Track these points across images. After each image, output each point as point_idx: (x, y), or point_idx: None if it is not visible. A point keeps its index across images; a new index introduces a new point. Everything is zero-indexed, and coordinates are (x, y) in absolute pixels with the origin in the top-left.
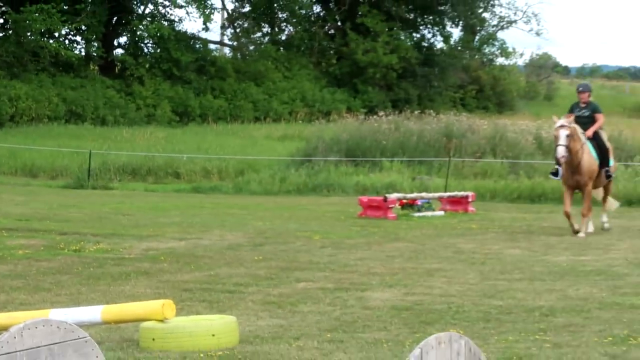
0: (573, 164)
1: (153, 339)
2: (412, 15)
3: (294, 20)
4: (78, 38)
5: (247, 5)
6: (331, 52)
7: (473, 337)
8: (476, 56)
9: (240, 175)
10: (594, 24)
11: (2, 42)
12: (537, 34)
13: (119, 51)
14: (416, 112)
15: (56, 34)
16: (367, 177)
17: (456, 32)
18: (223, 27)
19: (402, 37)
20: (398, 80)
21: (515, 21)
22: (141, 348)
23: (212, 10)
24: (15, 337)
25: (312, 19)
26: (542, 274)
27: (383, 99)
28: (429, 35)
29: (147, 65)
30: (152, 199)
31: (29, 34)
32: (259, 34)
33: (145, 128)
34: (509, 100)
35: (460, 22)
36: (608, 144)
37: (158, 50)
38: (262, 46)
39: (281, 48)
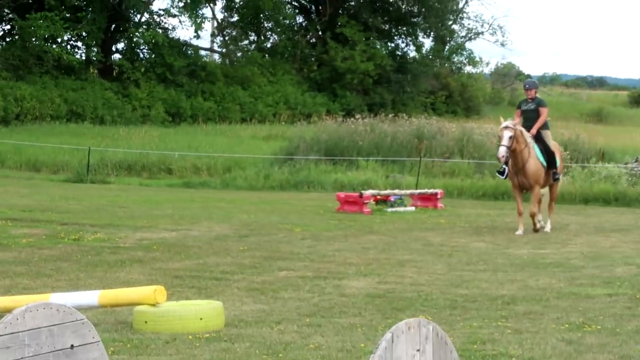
0: (518, 164)
1: (145, 322)
2: (387, 26)
3: (279, 29)
4: (79, 43)
5: (235, 15)
6: (312, 59)
7: (440, 323)
8: (446, 64)
9: (228, 172)
10: (554, 37)
11: (9, 46)
12: (502, 44)
13: (116, 56)
14: (390, 116)
15: (59, 40)
16: (344, 174)
17: (428, 42)
18: (213, 35)
19: (378, 46)
20: (374, 85)
21: (482, 33)
22: (134, 330)
23: (203, 20)
24: (17, 319)
25: (295, 28)
26: (504, 266)
27: (360, 103)
28: (403, 45)
29: (142, 70)
30: (146, 192)
31: (33, 39)
32: (246, 42)
33: (141, 127)
34: (476, 105)
35: (432, 33)
36: (553, 144)
37: (153, 56)
38: (249, 53)
39: (266, 55)
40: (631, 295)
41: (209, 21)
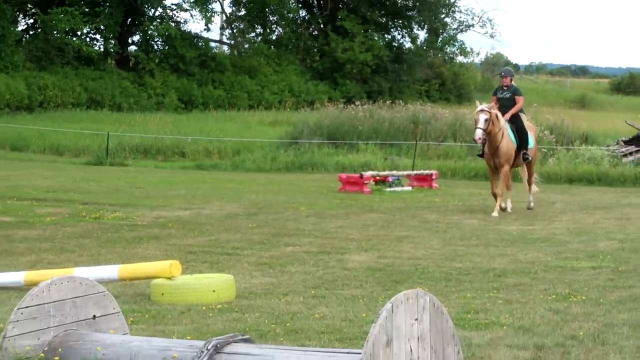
0: (492, 146)
1: (162, 294)
2: (384, 20)
3: (283, 22)
4: (97, 36)
5: (242, 9)
6: (315, 50)
7: (436, 294)
8: (439, 55)
9: (237, 155)
10: (541, 28)
11: (32, 39)
12: (492, 36)
13: (132, 48)
14: (387, 102)
15: (78, 33)
16: (345, 157)
17: (422, 34)
18: (222, 28)
19: (376, 38)
20: (372, 74)
21: (472, 25)
22: (152, 301)
23: (213, 13)
24: (43, 291)
25: (299, 21)
26: (495, 241)
27: (359, 90)
28: (399, 37)
29: (156, 60)
30: (161, 174)
31: (55, 32)
32: (253, 34)
33: (155, 114)
34: (467, 92)
35: (426, 26)
36: (528, 125)
37: (166, 47)
38: (256, 45)
39: (272, 46)
40: (613, 268)
41: (218, 15)
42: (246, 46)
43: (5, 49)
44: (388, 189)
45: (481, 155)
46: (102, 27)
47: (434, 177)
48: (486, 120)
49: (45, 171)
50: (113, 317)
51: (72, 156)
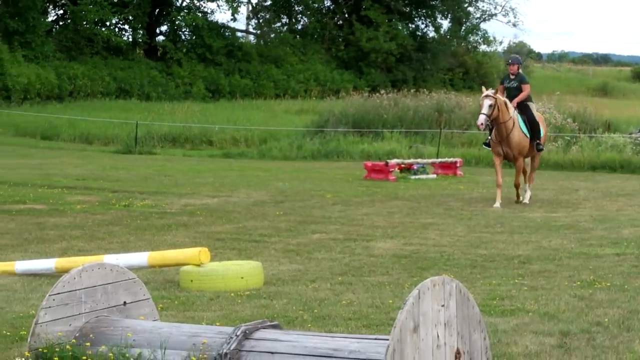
0: (502, 135)
1: (191, 281)
2: (408, 9)
3: (309, 12)
4: (126, 27)
5: None
6: (340, 39)
7: (462, 281)
8: (462, 44)
9: (264, 143)
10: (563, 17)
11: (62, 29)
12: (514, 25)
13: (160, 38)
14: (412, 91)
15: (107, 23)
16: (370, 145)
17: (445, 23)
18: (248, 18)
19: (400, 27)
20: (396, 63)
21: (495, 14)
22: (181, 288)
23: (239, 4)
24: (75, 278)
25: (324, 11)
26: (520, 228)
27: (384, 79)
28: (423, 26)
29: (184, 50)
30: (189, 162)
31: (84, 23)
32: (278, 24)
33: (183, 103)
34: (491, 81)
35: (449, 15)
36: (538, 115)
37: (194, 37)
38: (282, 34)
39: (298, 36)
40: (637, 254)
41: (245, 5)
42: (272, 36)
43: (36, 39)
44: (413, 177)
45: (487, 145)
46: (130, 17)
47: (458, 164)
48: (490, 105)
49: (75, 159)
50: (143, 303)
51: (102, 145)
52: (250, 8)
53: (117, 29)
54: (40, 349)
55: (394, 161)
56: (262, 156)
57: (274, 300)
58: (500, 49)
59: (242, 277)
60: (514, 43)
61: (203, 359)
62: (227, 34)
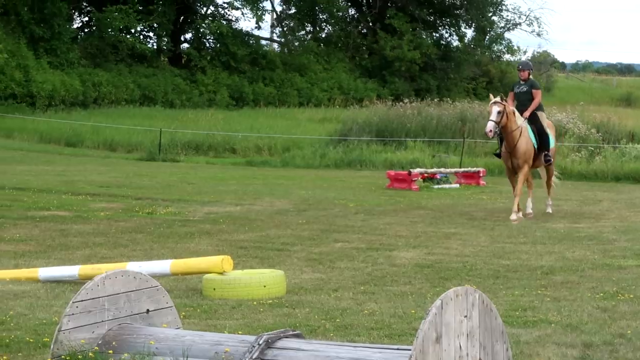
0: (510, 144)
1: (214, 289)
2: (432, 18)
3: (333, 20)
4: (151, 34)
5: (292, 7)
6: (363, 48)
7: (484, 291)
8: (486, 53)
9: (287, 152)
10: (587, 27)
11: (87, 36)
12: (538, 35)
13: (185, 45)
14: (435, 100)
15: (132, 30)
16: (394, 154)
17: (470, 33)
18: (273, 26)
19: (424, 36)
20: (420, 72)
21: (519, 24)
22: (203, 296)
23: (264, 12)
24: (98, 285)
25: (348, 20)
26: (543, 239)
27: (407, 88)
28: (447, 35)
29: (208, 58)
30: (212, 170)
31: (109, 30)
32: (302, 32)
33: (207, 110)
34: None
35: (473, 24)
36: (548, 124)
37: (218, 45)
38: (306, 42)
39: (321, 44)
40: None
41: (269, 13)
42: (296, 44)
43: (61, 46)
44: (436, 186)
45: (498, 155)
46: (155, 25)
47: (481, 174)
48: (499, 112)
49: (99, 166)
50: (166, 311)
51: (125, 152)
52: (275, 16)
53: (141, 37)
54: (63, 357)
55: (417, 170)
56: (285, 164)
57: (297, 309)
58: (524, 58)
59: (264, 286)
60: (537, 53)
61: None
62: (251, 42)
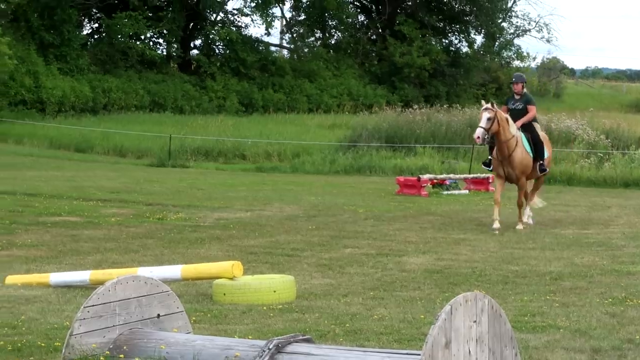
0: (503, 153)
1: (224, 294)
2: (441, 24)
3: (342, 27)
4: (160, 40)
5: (302, 14)
6: (373, 54)
7: (493, 297)
8: (496, 59)
9: (296, 158)
10: (597, 33)
11: (97, 43)
12: (548, 41)
13: (194, 52)
14: (445, 106)
15: (142, 37)
16: (403, 160)
17: (479, 39)
18: (282, 33)
19: (433, 43)
20: (429, 78)
21: (529, 30)
22: (214, 301)
23: (273, 18)
24: (109, 290)
25: (357, 26)
26: (551, 244)
27: (417, 94)
28: (456, 41)
29: (218, 64)
30: (222, 176)
31: (119, 36)
32: (312, 39)
33: (217, 117)
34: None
35: (483, 30)
36: (542, 135)
37: (227, 51)
38: (315, 49)
39: (331, 50)
40: None
41: (279, 20)
42: (306, 50)
43: (71, 52)
44: (445, 192)
45: (486, 164)
46: (165, 31)
47: (490, 180)
48: (489, 119)
49: (108, 172)
50: (177, 316)
51: (135, 158)
52: (284, 23)
53: (151, 43)
54: None
55: (426, 176)
56: (294, 170)
57: (306, 314)
58: (533, 64)
59: (274, 291)
60: (547, 59)
61: None
62: (260, 48)
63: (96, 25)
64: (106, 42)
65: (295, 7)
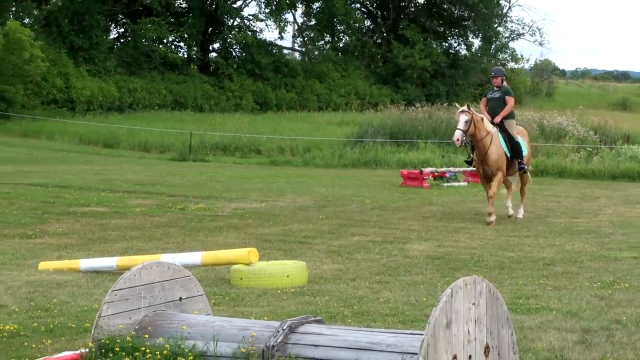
0: (481, 152)
1: (241, 279)
2: (442, 29)
3: (350, 31)
4: (182, 44)
5: (313, 19)
6: (378, 56)
7: (491, 281)
8: (492, 61)
9: (308, 152)
10: (586, 36)
11: (123, 46)
12: (540, 44)
13: (213, 54)
14: (445, 105)
15: (165, 41)
16: (406, 154)
17: (476, 42)
18: (294, 37)
19: (434, 46)
20: (430, 79)
21: (523, 34)
22: (231, 285)
23: (286, 23)
24: (135, 275)
25: (364, 30)
26: (544, 232)
27: (419, 93)
28: (455, 44)
29: (235, 66)
30: (239, 169)
31: (143, 40)
32: (322, 42)
33: (233, 114)
34: (518, 96)
35: (480, 34)
36: (520, 130)
37: (243, 54)
38: (324, 52)
39: (339, 53)
40: None
41: (291, 25)
42: (316, 53)
43: (99, 55)
44: (446, 184)
45: (469, 163)
46: (185, 35)
47: None
48: (466, 121)
49: (134, 166)
50: (197, 299)
51: (158, 153)
52: (296, 27)
53: (173, 46)
54: (102, 340)
55: (428, 170)
56: (306, 164)
57: (317, 297)
58: (527, 66)
59: (287, 276)
60: (540, 61)
61: (252, 351)
62: (274, 51)
63: (122, 30)
64: (131, 45)
65: (307, 13)
